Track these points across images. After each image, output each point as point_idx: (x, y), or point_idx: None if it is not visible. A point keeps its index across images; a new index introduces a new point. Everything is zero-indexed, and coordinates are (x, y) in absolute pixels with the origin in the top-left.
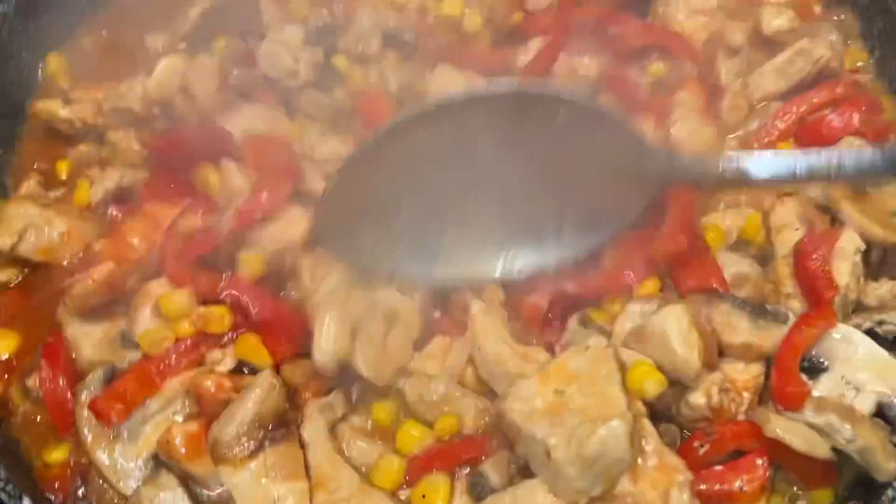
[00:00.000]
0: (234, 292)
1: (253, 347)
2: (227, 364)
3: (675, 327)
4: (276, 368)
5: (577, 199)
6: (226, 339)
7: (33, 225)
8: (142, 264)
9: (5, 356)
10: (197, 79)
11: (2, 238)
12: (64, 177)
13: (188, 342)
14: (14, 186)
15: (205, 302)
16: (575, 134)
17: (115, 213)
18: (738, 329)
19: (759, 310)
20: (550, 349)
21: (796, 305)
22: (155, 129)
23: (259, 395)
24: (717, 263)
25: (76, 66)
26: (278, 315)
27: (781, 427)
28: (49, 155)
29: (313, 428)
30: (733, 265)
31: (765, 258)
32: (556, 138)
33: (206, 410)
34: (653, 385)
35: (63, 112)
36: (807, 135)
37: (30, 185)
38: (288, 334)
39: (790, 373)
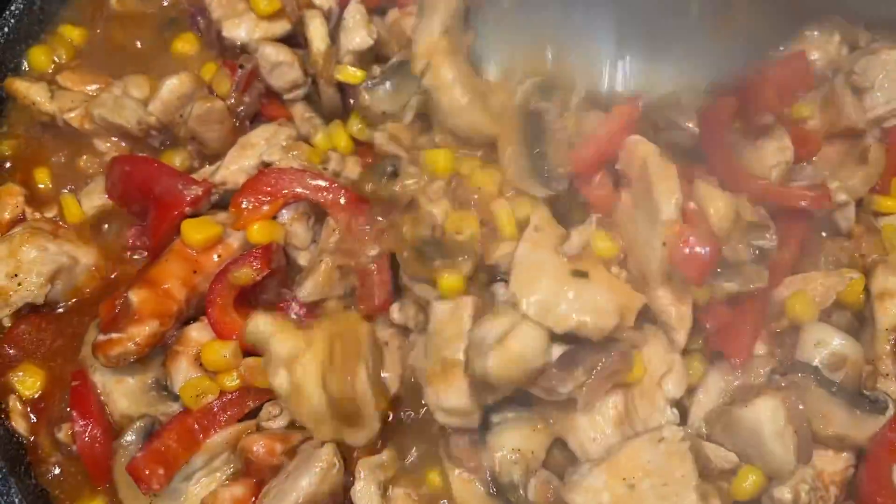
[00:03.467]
0: None
1: None
2: (283, 420)
3: (770, 424)
4: None
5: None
6: None
7: (62, 267)
8: (182, 314)
9: (35, 395)
10: (204, 128)
11: (32, 289)
12: (47, 185)
13: (234, 394)
14: None
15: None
16: None
17: (134, 241)
18: (832, 419)
19: (856, 398)
20: None
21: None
22: (152, 146)
23: (317, 476)
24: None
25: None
26: None
27: None
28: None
29: (365, 491)
30: (830, 342)
31: (861, 324)
32: None
33: (255, 473)
34: (756, 489)
35: (47, 104)
36: None
37: (17, 202)
38: None
39: (885, 482)
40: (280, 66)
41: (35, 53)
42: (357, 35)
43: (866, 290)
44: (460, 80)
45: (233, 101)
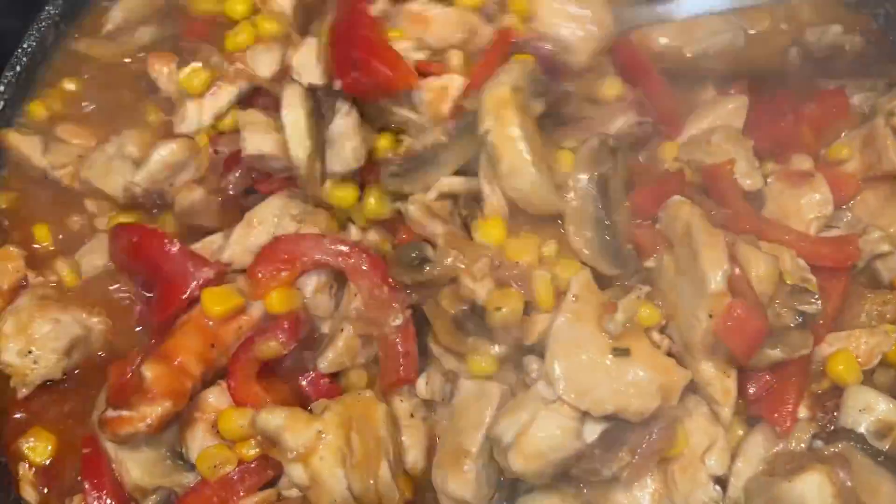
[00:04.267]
0: None
1: None
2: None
3: (816, 503)
4: None
5: None
6: None
7: (78, 338)
8: (198, 390)
9: (45, 461)
10: (192, 218)
11: (51, 366)
12: (48, 243)
13: (253, 463)
14: None
15: None
16: None
17: (140, 317)
18: (880, 491)
19: None
20: None
21: None
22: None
23: None
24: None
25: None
26: None
27: None
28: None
29: None
30: (876, 408)
31: None
32: None
33: None
34: None
35: (38, 159)
36: None
37: (16, 267)
38: None
39: None
40: (264, 159)
41: (34, 106)
42: (342, 152)
43: None
44: (526, 137)
45: (214, 183)
